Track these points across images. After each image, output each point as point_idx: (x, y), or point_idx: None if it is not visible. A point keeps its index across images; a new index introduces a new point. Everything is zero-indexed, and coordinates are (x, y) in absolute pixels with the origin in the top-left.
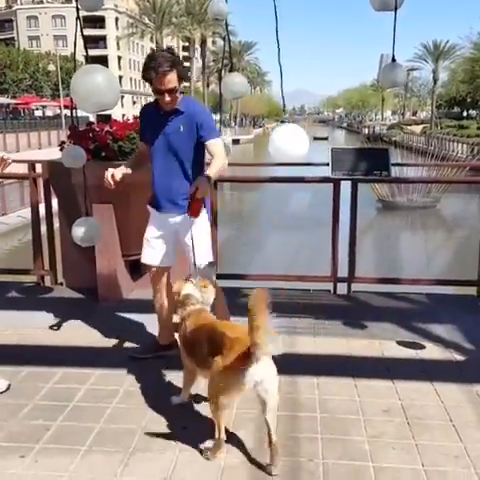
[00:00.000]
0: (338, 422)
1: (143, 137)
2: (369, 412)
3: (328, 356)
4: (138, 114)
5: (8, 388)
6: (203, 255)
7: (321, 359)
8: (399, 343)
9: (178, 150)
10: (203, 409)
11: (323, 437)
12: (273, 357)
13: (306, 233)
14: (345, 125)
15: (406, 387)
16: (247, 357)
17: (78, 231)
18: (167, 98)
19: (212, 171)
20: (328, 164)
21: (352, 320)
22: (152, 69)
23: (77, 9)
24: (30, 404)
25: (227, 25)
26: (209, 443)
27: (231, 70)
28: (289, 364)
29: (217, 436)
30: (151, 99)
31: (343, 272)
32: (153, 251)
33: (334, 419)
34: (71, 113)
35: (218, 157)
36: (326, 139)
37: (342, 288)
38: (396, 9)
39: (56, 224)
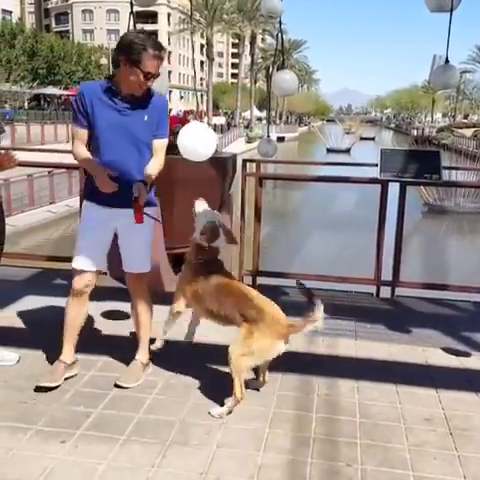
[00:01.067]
0: (378, 428)
1: (85, 122)
2: (411, 420)
3: (369, 360)
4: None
5: (19, 361)
6: (138, 264)
7: (362, 363)
8: (443, 351)
9: (139, 141)
10: (242, 405)
11: (362, 443)
12: None
13: (349, 234)
14: (393, 126)
15: (449, 396)
16: (283, 336)
17: None
18: (150, 83)
19: (153, 171)
20: (376, 165)
21: (395, 325)
22: (153, 48)
23: (131, 4)
24: (72, 390)
25: (280, 23)
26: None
27: (282, 67)
28: (329, 366)
29: (238, 394)
30: (197, 94)
31: (386, 275)
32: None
33: (374, 425)
34: None
35: (159, 158)
36: (373, 139)
37: (385, 292)
38: (452, 10)
39: None
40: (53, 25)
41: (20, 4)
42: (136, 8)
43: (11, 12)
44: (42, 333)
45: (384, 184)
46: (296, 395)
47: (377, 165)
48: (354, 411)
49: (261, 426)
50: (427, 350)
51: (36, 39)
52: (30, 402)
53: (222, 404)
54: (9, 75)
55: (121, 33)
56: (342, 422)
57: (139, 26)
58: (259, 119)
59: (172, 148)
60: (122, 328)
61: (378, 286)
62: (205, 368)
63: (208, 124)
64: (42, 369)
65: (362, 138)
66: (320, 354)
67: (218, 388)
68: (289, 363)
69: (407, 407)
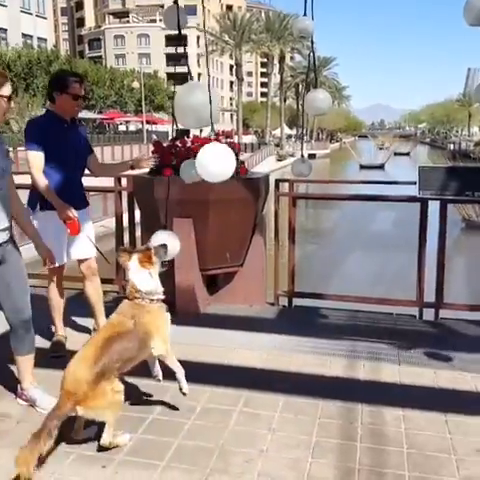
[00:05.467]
0: (427, 459)
1: (44, 149)
2: (461, 451)
3: (415, 387)
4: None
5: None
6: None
7: (407, 390)
8: None
9: (83, 157)
10: (283, 433)
11: (411, 475)
12: None
13: (387, 253)
14: (428, 141)
15: None
16: None
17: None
18: (81, 104)
19: None
20: (415, 182)
21: (440, 349)
22: (75, 76)
23: (179, 28)
24: None
25: (312, 42)
26: None
27: (315, 86)
28: (372, 393)
29: None
30: (227, 114)
31: (429, 296)
32: (62, 249)
33: (422, 456)
34: (172, 128)
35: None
36: (407, 155)
37: (428, 314)
38: None
39: (138, 233)
40: (87, 51)
41: (55, 32)
42: (168, 32)
43: (46, 40)
44: None
45: (423, 202)
46: (338, 423)
47: (415, 183)
48: (401, 441)
49: (303, 455)
50: (476, 377)
51: (70, 65)
52: (72, 426)
53: (258, 433)
54: (46, 101)
55: (152, 56)
56: (388, 452)
57: (170, 49)
58: (289, 136)
59: None
60: None
61: (421, 308)
62: (242, 394)
63: (239, 143)
64: None
65: (396, 153)
66: (362, 380)
67: (255, 413)
68: (329, 389)
69: (457, 437)
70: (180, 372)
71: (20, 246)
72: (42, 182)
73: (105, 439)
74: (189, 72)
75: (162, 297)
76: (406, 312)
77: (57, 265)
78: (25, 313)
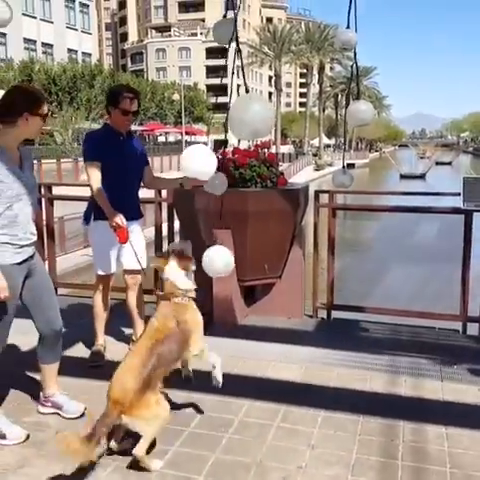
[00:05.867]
0: None
1: (100, 160)
2: None
3: (458, 404)
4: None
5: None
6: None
7: (450, 407)
8: None
9: (139, 168)
10: (321, 449)
11: None
12: None
13: (430, 266)
14: (471, 150)
15: None
16: None
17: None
18: (132, 119)
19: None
20: (459, 194)
21: None
22: (128, 91)
23: (237, 41)
24: None
25: (355, 54)
26: None
27: (357, 97)
28: (413, 409)
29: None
30: None
31: (473, 311)
32: (111, 259)
33: (466, 476)
34: (225, 139)
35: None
36: (450, 164)
37: (473, 329)
38: None
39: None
40: (129, 65)
41: (99, 46)
42: (208, 45)
43: (90, 54)
44: None
45: (468, 214)
46: (379, 440)
47: (459, 194)
48: (444, 460)
49: (343, 473)
50: None
51: (113, 79)
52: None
53: (297, 449)
54: (89, 114)
55: (192, 69)
56: (431, 471)
57: (211, 61)
58: (328, 146)
59: (245, 181)
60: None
61: (464, 322)
62: (280, 408)
63: (276, 153)
64: None
65: (438, 163)
66: (403, 396)
67: (293, 429)
68: (369, 404)
69: None
70: (218, 362)
71: (61, 255)
72: (97, 191)
73: (139, 450)
74: (245, 84)
75: (194, 295)
76: (449, 327)
77: (104, 273)
78: (56, 324)
